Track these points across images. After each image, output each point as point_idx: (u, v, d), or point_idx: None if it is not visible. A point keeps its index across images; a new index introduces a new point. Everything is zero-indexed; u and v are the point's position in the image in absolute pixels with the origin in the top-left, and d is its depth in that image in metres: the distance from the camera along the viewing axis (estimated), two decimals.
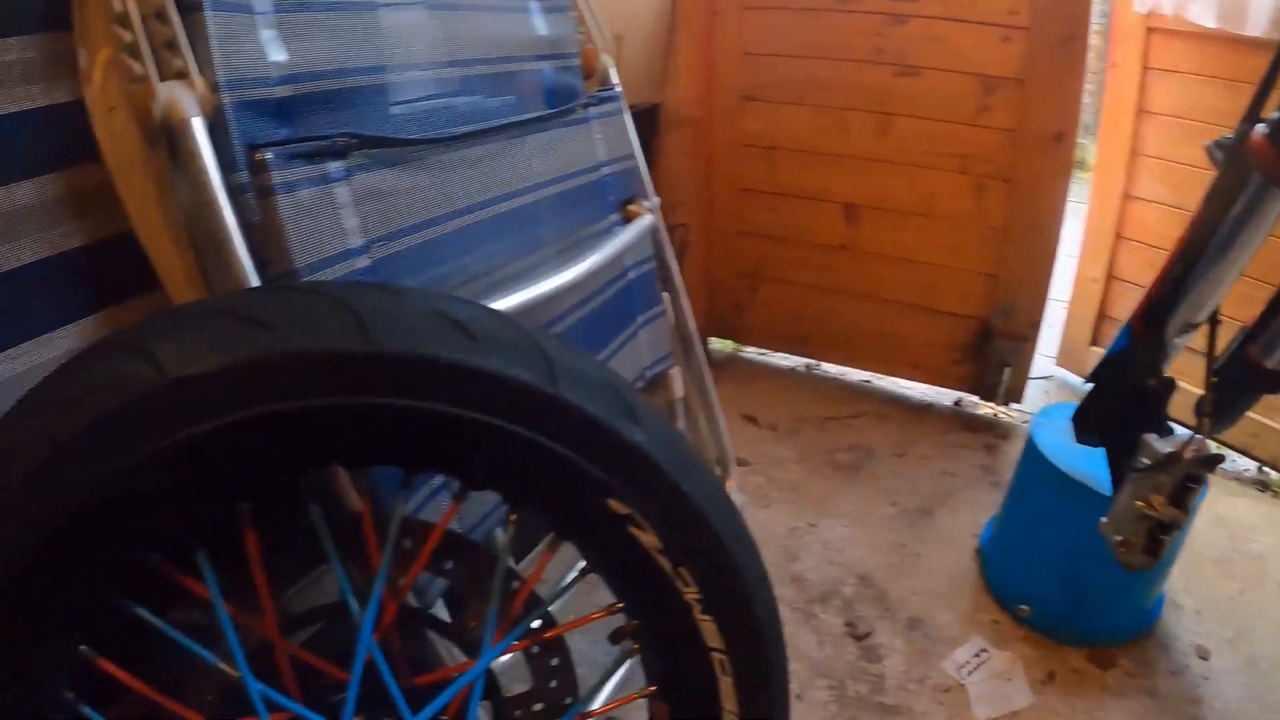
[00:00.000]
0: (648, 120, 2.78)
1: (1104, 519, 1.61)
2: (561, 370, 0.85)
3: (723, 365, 3.26)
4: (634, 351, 1.81)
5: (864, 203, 2.91)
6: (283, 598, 1.04)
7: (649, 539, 0.90)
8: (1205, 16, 2.53)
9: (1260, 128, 1.31)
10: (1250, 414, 1.79)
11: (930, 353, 2.99)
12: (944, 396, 3.08)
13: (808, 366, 3.29)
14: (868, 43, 2.74)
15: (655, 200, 1.90)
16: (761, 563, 1.01)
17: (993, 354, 2.88)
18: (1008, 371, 2.87)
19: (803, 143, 2.92)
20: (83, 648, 0.83)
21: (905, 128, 2.78)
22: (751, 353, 3.38)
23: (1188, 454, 1.49)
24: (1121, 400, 1.65)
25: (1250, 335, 1.59)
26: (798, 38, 2.83)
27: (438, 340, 0.81)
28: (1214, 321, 1.54)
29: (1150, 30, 2.77)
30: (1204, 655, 1.99)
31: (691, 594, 0.94)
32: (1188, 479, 1.49)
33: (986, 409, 3.01)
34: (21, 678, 0.79)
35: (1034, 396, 3.06)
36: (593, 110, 1.72)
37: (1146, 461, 1.54)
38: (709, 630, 0.96)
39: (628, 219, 1.79)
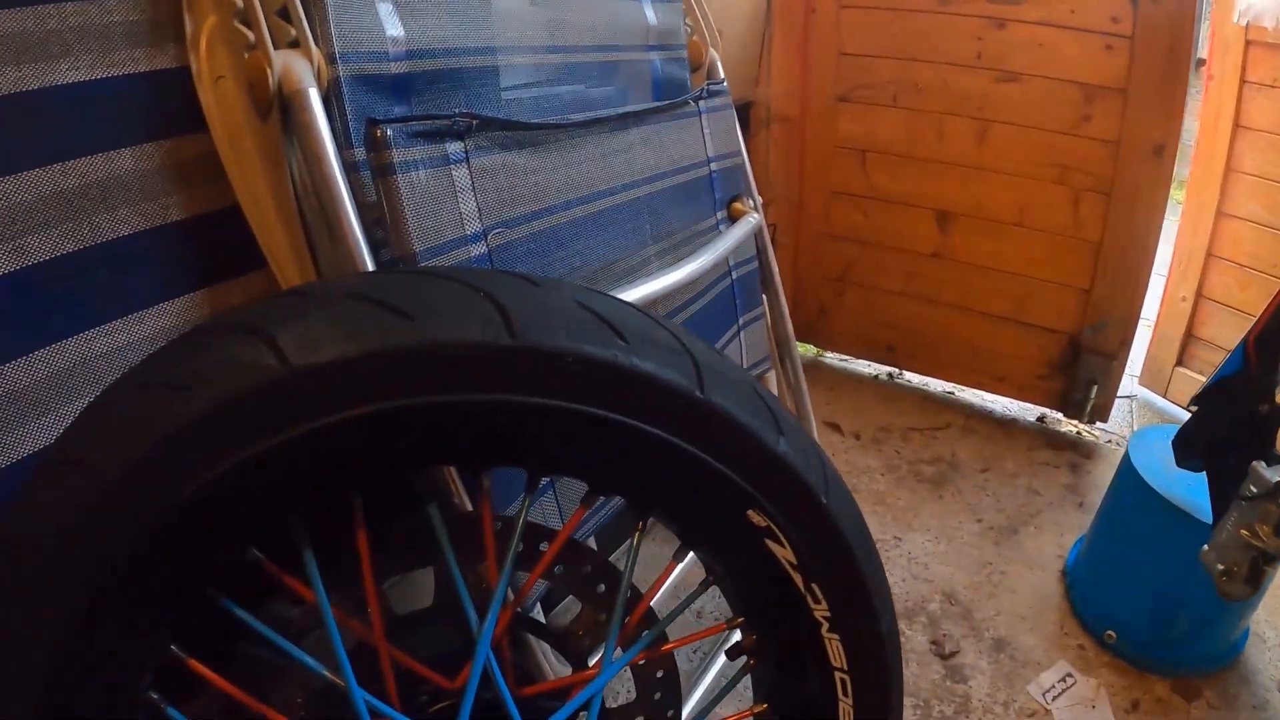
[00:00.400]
0: (742, 118, 2.74)
1: (1205, 547, 1.57)
2: (710, 374, 0.81)
3: (806, 370, 3.17)
4: (736, 352, 1.78)
5: (957, 210, 2.85)
6: (386, 599, 1.00)
7: (785, 553, 0.87)
8: None
9: None
10: None
11: (1017, 366, 2.93)
12: (1028, 412, 3.02)
13: (890, 375, 3.25)
14: (967, 46, 2.69)
15: (759, 199, 1.87)
16: (888, 583, 0.98)
17: (1081, 371, 2.82)
18: (1095, 389, 2.80)
19: (897, 146, 2.88)
20: (173, 647, 0.78)
21: (1003, 135, 2.72)
22: (833, 358, 3.33)
23: None
24: (1230, 425, 1.61)
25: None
26: (895, 39, 2.78)
27: (587, 337, 0.76)
28: None
29: (1249, 43, 2.69)
30: None
31: (821, 611, 0.91)
32: None
33: (1070, 426, 2.95)
34: (111, 676, 0.74)
35: (1118, 416, 2.99)
36: (702, 104, 1.69)
37: (1254, 490, 1.50)
38: (835, 649, 0.93)
39: (733, 217, 1.76)
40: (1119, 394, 2.96)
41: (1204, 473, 1.67)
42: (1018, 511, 2.47)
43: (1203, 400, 1.68)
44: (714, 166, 1.70)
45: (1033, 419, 3.00)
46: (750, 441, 0.82)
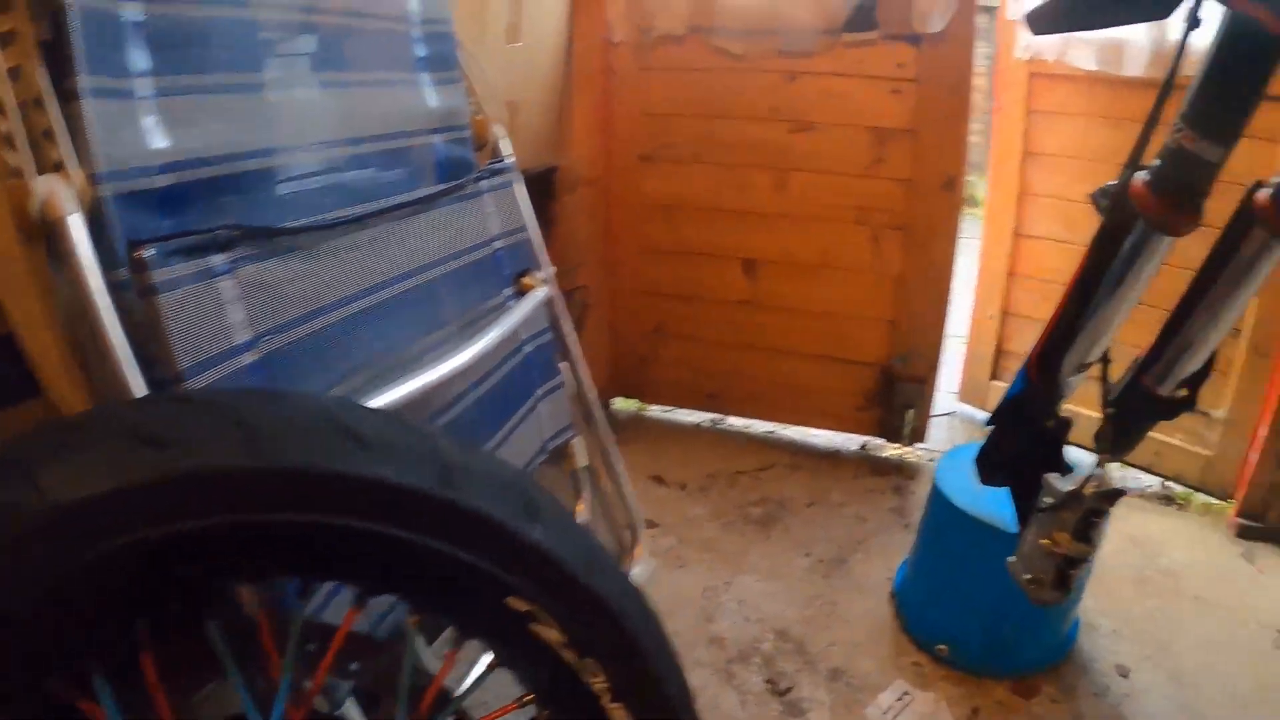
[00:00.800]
0: (546, 183, 2.80)
1: (1012, 558, 1.64)
2: (456, 472, 0.84)
3: (629, 425, 3.25)
4: (535, 425, 1.80)
5: (764, 258, 2.95)
6: (187, 708, 1.01)
7: (552, 634, 0.90)
8: (1085, 60, 2.65)
9: (1141, 175, 1.36)
10: (1152, 434, 1.84)
11: (835, 400, 3.03)
12: (852, 442, 3.12)
13: (714, 421, 3.30)
14: (763, 100, 2.81)
15: (550, 270, 1.90)
16: (671, 647, 1.01)
17: (895, 397, 2.94)
18: (910, 413, 2.92)
19: (702, 200, 2.97)
20: None
21: (802, 182, 2.84)
22: (657, 411, 3.37)
23: (1088, 490, 1.53)
24: (1021, 441, 1.69)
25: (1143, 366, 1.64)
26: (695, 97, 2.88)
27: (328, 450, 0.79)
28: (1105, 360, 1.58)
29: (1033, 75, 2.88)
30: (1124, 674, 2.04)
31: (600, 683, 0.93)
32: (1090, 514, 1.53)
33: (893, 450, 3.06)
34: None
35: (938, 434, 3.11)
36: (484, 184, 1.71)
37: (1049, 500, 1.58)
38: (620, 717, 0.95)
39: (522, 291, 1.79)
40: (940, 412, 3.09)
41: (1006, 488, 1.76)
42: (846, 540, 2.54)
43: (997, 419, 1.76)
44: (499, 244, 1.73)
45: (856, 448, 3.10)
46: (500, 532, 0.85)
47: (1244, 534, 2.62)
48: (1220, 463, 2.73)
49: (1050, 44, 2.77)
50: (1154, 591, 2.34)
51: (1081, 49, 2.68)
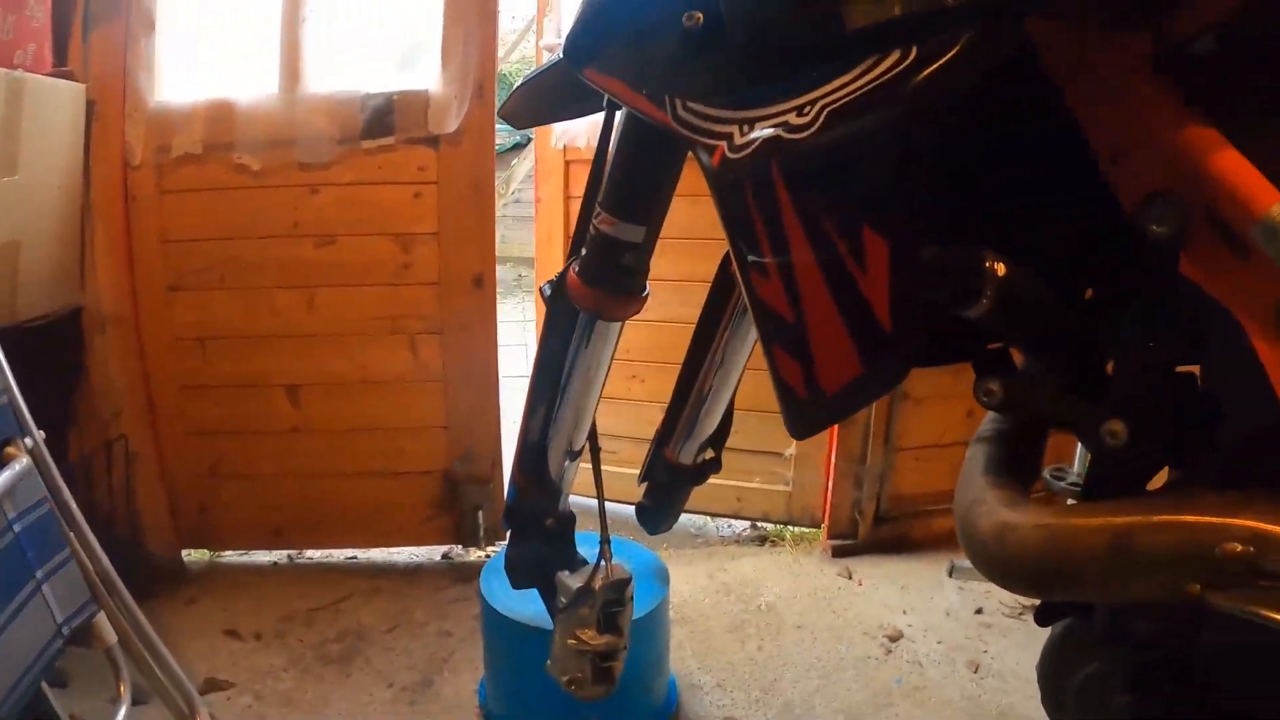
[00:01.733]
0: (71, 326, 2.58)
1: (548, 662, 1.61)
2: None
3: (202, 577, 2.99)
4: (40, 610, 1.59)
5: (306, 381, 2.84)
6: None
7: None
8: None
9: (574, 266, 1.36)
10: (727, 481, 1.88)
11: (404, 514, 2.94)
12: (433, 553, 3.04)
13: (290, 558, 3.11)
14: (285, 217, 2.71)
15: (38, 435, 1.70)
16: None
17: (463, 501, 2.90)
18: (481, 514, 2.88)
19: (234, 329, 2.81)
20: None
21: (332, 298, 2.76)
22: (232, 556, 3.13)
23: (598, 583, 1.53)
24: (533, 543, 1.66)
25: (660, 440, 1.67)
26: (217, 219, 2.74)
27: None
28: (594, 446, 1.57)
29: (569, 163, 2.99)
30: None
31: None
32: (608, 605, 1.52)
33: (475, 554, 3.01)
34: None
35: None
36: None
37: (565, 600, 1.56)
38: None
39: (3, 463, 1.59)
40: None
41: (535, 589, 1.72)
42: (430, 661, 2.45)
43: (509, 522, 1.71)
44: None
45: (438, 559, 3.03)
46: None
47: (839, 553, 2.83)
48: (801, 494, 2.92)
49: (582, 130, 2.86)
50: (755, 633, 2.43)
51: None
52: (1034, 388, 1.02)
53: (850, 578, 2.72)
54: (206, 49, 2.79)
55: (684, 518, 1.67)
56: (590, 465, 1.56)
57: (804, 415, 0.97)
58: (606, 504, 1.59)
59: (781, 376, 0.94)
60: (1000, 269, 0.88)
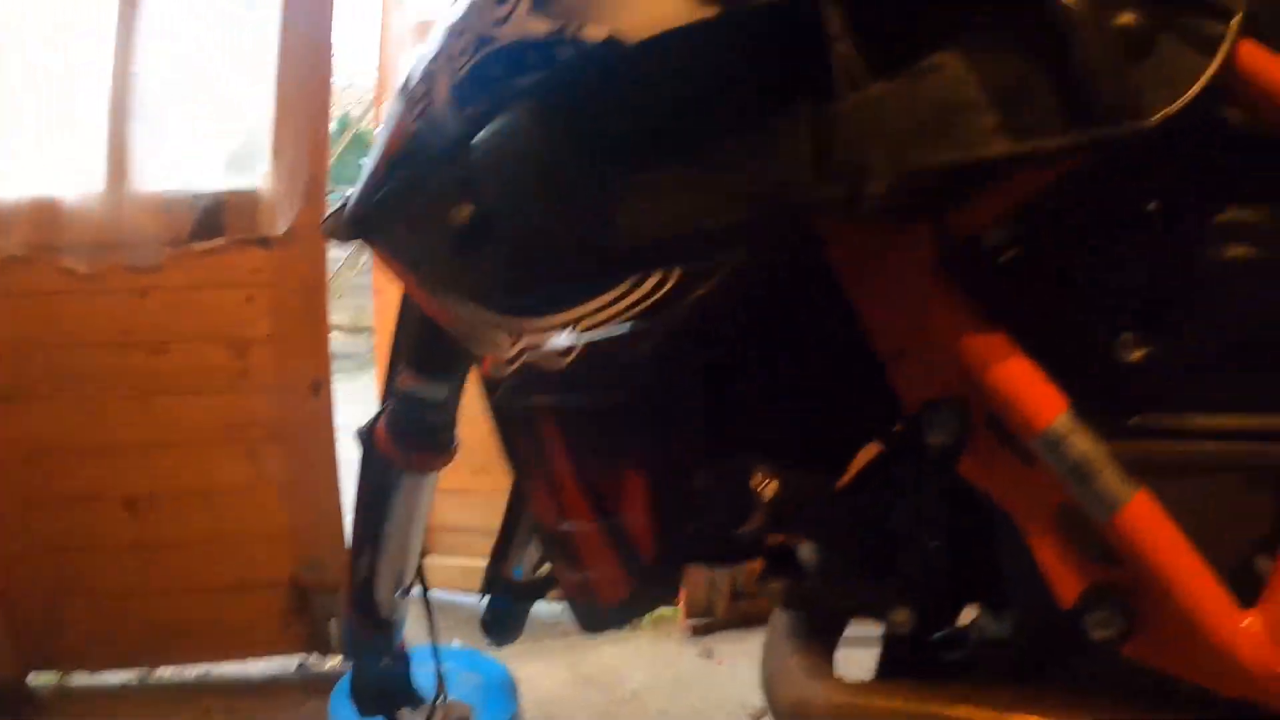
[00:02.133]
0: None
1: None
2: None
3: (51, 704, 2.83)
4: None
5: (144, 493, 2.71)
6: None
7: None
8: None
9: (383, 417, 1.33)
10: None
11: (257, 627, 2.82)
12: (289, 663, 2.92)
13: (141, 677, 2.95)
14: (114, 323, 2.62)
15: None
16: None
17: (314, 610, 2.79)
18: (333, 622, 2.78)
19: (69, 441, 2.68)
20: None
21: (167, 406, 2.66)
22: (82, 678, 2.94)
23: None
24: (373, 674, 1.61)
25: (496, 557, 1.62)
26: (45, 325, 2.62)
27: None
28: (423, 579, 1.55)
29: None
30: None
31: None
32: None
33: (332, 663, 2.89)
34: None
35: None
36: None
37: None
38: None
39: None
40: None
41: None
42: None
43: (351, 653, 1.67)
44: None
45: (293, 670, 2.91)
46: None
47: (698, 632, 2.77)
48: None
49: None
50: None
51: None
52: (819, 583, 0.98)
53: (710, 657, 2.69)
54: (28, 144, 2.71)
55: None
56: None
57: (587, 620, 0.96)
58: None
59: (560, 583, 0.92)
60: (771, 489, 0.84)
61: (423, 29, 2.83)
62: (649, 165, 0.78)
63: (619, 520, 0.83)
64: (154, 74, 2.68)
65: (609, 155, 0.79)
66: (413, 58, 0.97)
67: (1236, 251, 0.73)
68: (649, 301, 0.76)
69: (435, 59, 0.90)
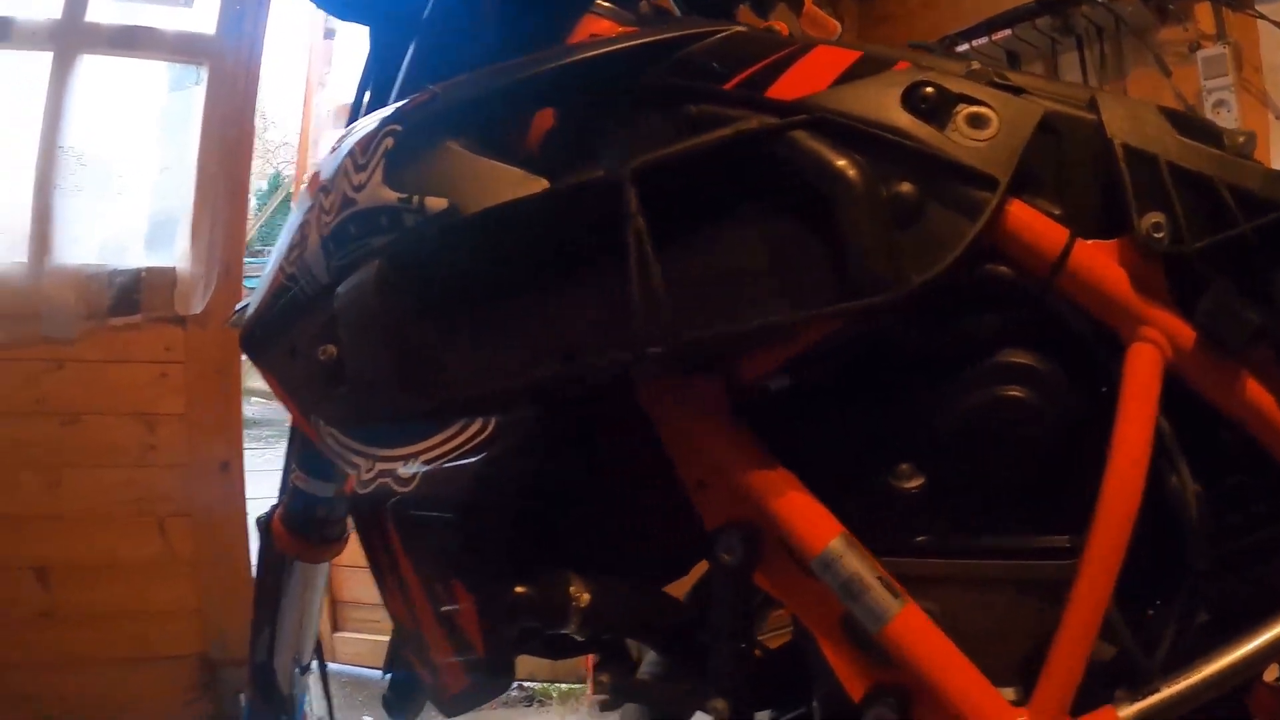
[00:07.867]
0: None
1: None
2: None
3: None
4: None
5: (53, 564, 2.71)
6: None
7: None
8: None
9: (279, 508, 1.38)
10: None
11: (165, 702, 2.80)
12: None
13: None
14: (27, 392, 2.63)
15: None
16: None
17: (222, 685, 2.80)
18: (241, 697, 2.79)
19: None
20: None
21: (78, 479, 2.67)
22: None
23: None
24: None
25: (398, 637, 1.66)
26: None
27: None
28: (320, 657, 1.59)
29: None
30: None
31: None
32: None
33: None
34: None
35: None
36: None
37: None
38: None
39: None
40: None
41: None
42: None
43: None
44: None
45: None
46: None
47: (606, 706, 2.78)
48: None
49: None
50: None
51: None
52: (643, 678, 1.06)
53: None
54: None
55: None
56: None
57: (440, 704, 1.00)
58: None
59: (415, 668, 0.99)
60: (584, 599, 0.91)
61: (343, 112, 2.90)
62: (473, 324, 0.88)
63: (454, 623, 0.91)
64: (80, 148, 2.73)
65: (442, 314, 0.90)
66: (309, 180, 1.08)
67: (1006, 392, 0.84)
68: (475, 441, 0.86)
69: (310, 209, 1.00)
